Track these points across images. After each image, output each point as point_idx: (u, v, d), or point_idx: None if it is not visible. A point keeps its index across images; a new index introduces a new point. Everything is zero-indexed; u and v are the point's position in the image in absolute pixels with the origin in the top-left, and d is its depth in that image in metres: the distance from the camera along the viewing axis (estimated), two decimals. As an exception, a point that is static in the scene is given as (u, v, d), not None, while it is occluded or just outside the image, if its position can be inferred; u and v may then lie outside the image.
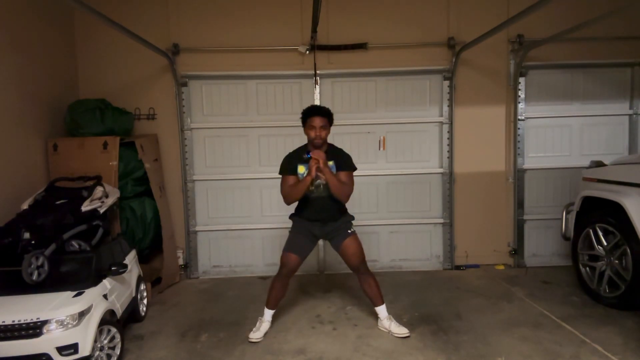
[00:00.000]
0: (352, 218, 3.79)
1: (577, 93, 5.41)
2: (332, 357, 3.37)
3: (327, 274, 5.38)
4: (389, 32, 5.26)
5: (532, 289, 4.68)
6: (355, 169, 3.70)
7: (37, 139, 4.42)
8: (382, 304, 3.79)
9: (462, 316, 4.03)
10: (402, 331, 3.66)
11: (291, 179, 3.59)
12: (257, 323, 3.76)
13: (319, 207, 3.62)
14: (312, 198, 3.60)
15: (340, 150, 3.74)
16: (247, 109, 5.34)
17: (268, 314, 3.78)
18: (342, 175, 3.59)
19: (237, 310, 4.30)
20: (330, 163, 3.57)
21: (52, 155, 4.46)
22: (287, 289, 3.81)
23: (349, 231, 3.72)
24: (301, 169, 3.57)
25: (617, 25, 5.11)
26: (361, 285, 3.84)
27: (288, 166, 3.63)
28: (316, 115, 3.54)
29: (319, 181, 3.53)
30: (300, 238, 3.70)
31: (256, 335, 3.65)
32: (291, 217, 3.81)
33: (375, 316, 3.87)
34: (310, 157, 3.51)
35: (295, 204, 3.72)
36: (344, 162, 3.64)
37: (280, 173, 3.66)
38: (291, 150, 3.77)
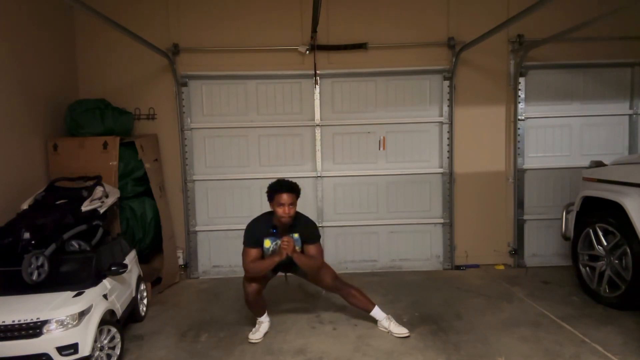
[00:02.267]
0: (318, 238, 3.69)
1: (577, 93, 5.41)
2: (332, 357, 3.37)
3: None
4: (389, 32, 5.26)
5: (532, 289, 4.68)
6: (319, 237, 3.67)
7: (37, 139, 4.42)
8: (374, 307, 3.79)
9: (462, 316, 4.03)
10: (402, 331, 3.66)
11: (254, 253, 3.54)
12: (256, 325, 3.76)
13: (284, 264, 3.59)
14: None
15: (305, 219, 3.66)
16: (247, 109, 5.34)
17: (261, 318, 3.78)
18: (311, 249, 3.58)
19: (237, 310, 4.29)
20: (296, 235, 3.54)
21: (52, 155, 4.46)
22: (263, 298, 3.74)
23: (298, 248, 3.58)
24: (267, 244, 3.54)
25: (617, 25, 5.12)
26: (347, 301, 3.83)
27: (253, 239, 3.56)
28: (285, 192, 3.44)
29: (275, 246, 3.51)
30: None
31: (256, 336, 3.65)
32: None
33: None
34: (276, 232, 3.50)
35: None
36: (310, 235, 3.61)
37: (244, 244, 3.58)
38: (255, 218, 3.68)
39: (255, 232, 3.58)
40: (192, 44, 5.20)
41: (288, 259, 3.48)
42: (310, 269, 3.60)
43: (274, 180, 3.62)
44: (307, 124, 5.34)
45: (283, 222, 3.49)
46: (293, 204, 3.47)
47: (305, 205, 5.09)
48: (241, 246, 5.35)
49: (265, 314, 3.80)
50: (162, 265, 4.96)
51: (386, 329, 3.72)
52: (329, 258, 5.31)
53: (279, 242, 3.48)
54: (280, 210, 3.45)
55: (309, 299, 4.52)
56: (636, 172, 3.86)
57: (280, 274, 3.81)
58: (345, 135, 5.36)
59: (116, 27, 3.78)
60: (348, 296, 3.79)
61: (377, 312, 3.78)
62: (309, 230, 3.63)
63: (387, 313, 3.81)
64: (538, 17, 4.53)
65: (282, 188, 3.47)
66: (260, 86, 5.33)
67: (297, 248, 3.55)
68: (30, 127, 4.35)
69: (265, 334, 3.71)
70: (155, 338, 3.75)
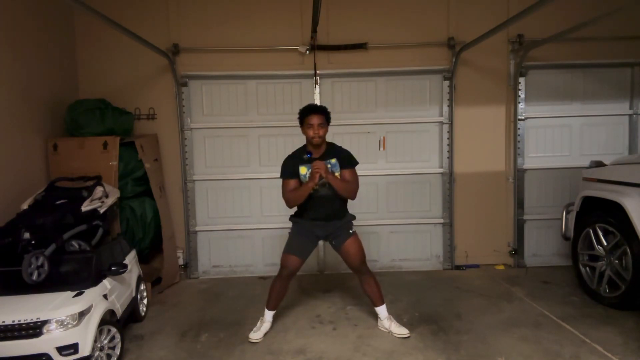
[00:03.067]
0: (354, 218, 3.78)
1: (577, 93, 5.41)
2: (332, 357, 3.37)
3: (327, 274, 5.38)
4: (389, 32, 5.26)
5: (532, 289, 4.68)
6: (357, 163, 3.69)
7: (37, 139, 4.42)
8: (383, 304, 3.79)
9: (462, 316, 4.03)
10: (403, 331, 3.66)
11: (292, 183, 3.56)
12: (258, 323, 3.76)
13: (324, 205, 3.59)
14: (317, 197, 3.56)
15: (340, 147, 3.73)
16: (247, 109, 5.34)
17: (268, 314, 3.78)
18: (346, 173, 3.59)
19: (237, 310, 4.30)
20: (333, 161, 3.56)
21: (52, 155, 4.46)
22: (287, 290, 3.81)
23: (350, 231, 3.71)
24: (303, 170, 3.55)
25: (617, 25, 5.11)
26: (362, 286, 3.84)
27: (289, 170, 3.59)
28: (314, 114, 3.51)
29: (323, 180, 3.49)
30: (300, 239, 3.69)
31: (256, 335, 3.65)
32: (291, 218, 3.78)
33: (375, 316, 3.87)
34: (311, 157, 3.51)
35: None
36: (346, 160, 3.63)
37: (281, 177, 3.63)
38: (290, 153, 3.73)
39: (290, 163, 3.61)
40: (192, 44, 5.20)
41: (323, 183, 3.47)
42: (345, 193, 3.56)
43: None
44: (307, 124, 5.33)
45: (315, 142, 3.51)
46: (322, 124, 3.51)
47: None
48: (242, 246, 5.45)
49: (272, 314, 3.79)
50: (162, 265, 4.96)
51: (386, 329, 3.72)
52: (329, 258, 5.33)
53: (312, 164, 3.48)
54: (310, 132, 3.49)
55: (309, 299, 4.52)
56: (636, 172, 3.86)
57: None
58: (345, 135, 5.35)
59: (116, 27, 3.78)
60: (366, 282, 3.78)
61: (382, 310, 3.79)
62: (345, 156, 3.64)
63: (388, 313, 3.81)
64: (538, 17, 4.52)
65: (311, 110, 3.54)
66: (260, 86, 5.33)
67: (337, 174, 3.54)
68: (30, 127, 4.35)
69: (266, 333, 3.71)
70: (155, 338, 3.75)
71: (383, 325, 3.76)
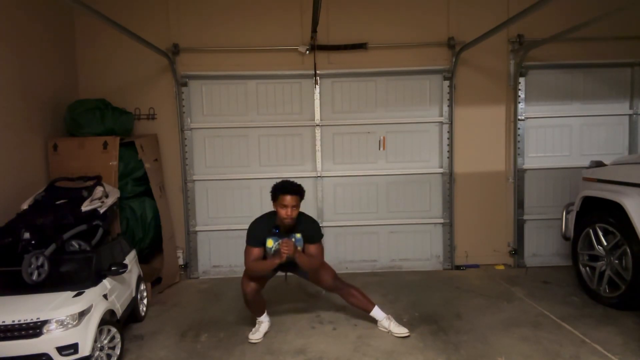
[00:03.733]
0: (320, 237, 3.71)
1: (577, 93, 5.41)
2: (332, 357, 3.37)
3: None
4: (389, 32, 5.26)
5: (532, 289, 4.68)
6: (322, 236, 3.70)
7: (37, 139, 4.42)
8: (374, 307, 3.79)
9: (462, 316, 4.03)
10: (402, 331, 3.66)
11: (256, 252, 3.54)
12: (256, 324, 3.76)
13: (285, 264, 3.57)
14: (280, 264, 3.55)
15: (307, 219, 3.68)
16: (247, 109, 5.34)
17: (261, 317, 3.79)
18: (311, 248, 3.60)
19: (237, 310, 4.29)
20: (298, 235, 3.56)
21: (52, 155, 4.46)
22: (262, 298, 3.76)
23: (300, 248, 3.59)
24: (269, 243, 3.54)
25: (617, 25, 5.11)
26: (346, 301, 3.84)
27: (256, 238, 3.56)
28: (289, 194, 3.42)
29: (276, 247, 3.51)
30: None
31: (256, 336, 3.65)
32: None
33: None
34: (279, 232, 3.52)
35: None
36: (313, 235, 3.62)
37: (247, 242, 3.59)
38: (258, 216, 3.69)
39: (258, 231, 3.58)
40: (192, 44, 5.20)
41: (289, 259, 3.48)
42: (310, 268, 3.61)
43: (276, 180, 3.63)
44: (307, 124, 5.34)
45: (286, 223, 3.49)
46: (296, 206, 3.47)
47: (305, 205, 5.04)
48: (242, 246, 5.41)
49: (265, 314, 3.81)
50: (162, 265, 4.96)
51: (386, 329, 3.72)
52: (329, 258, 5.31)
53: (280, 242, 3.48)
54: (282, 212, 3.44)
55: (309, 299, 4.52)
56: (636, 172, 3.86)
57: (280, 273, 3.82)
58: (345, 135, 5.36)
59: (116, 27, 3.78)
60: (348, 296, 3.79)
61: (377, 312, 3.78)
62: (311, 231, 3.63)
63: (387, 313, 3.81)
64: (538, 17, 4.53)
65: (286, 190, 3.45)
66: (260, 86, 5.33)
67: (299, 248, 3.55)
68: (31, 127, 4.35)
69: (265, 333, 3.71)
70: (155, 338, 3.75)
71: (383, 325, 3.76)
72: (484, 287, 4.78)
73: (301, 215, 3.62)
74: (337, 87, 5.35)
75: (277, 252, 3.49)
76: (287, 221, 3.46)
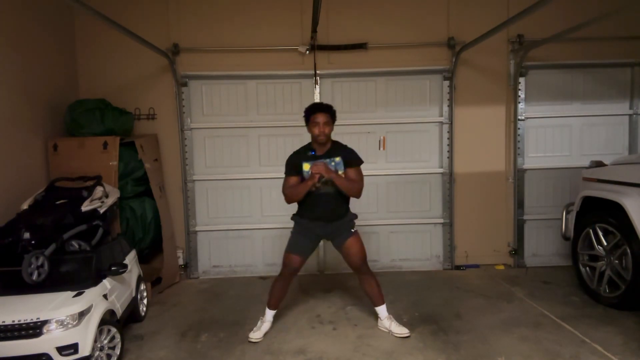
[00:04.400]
0: (355, 217, 3.77)
1: (577, 93, 5.41)
2: (332, 357, 3.37)
3: (327, 274, 5.38)
4: (389, 32, 5.26)
5: (532, 289, 4.68)
6: (362, 162, 3.70)
7: (37, 139, 4.42)
8: (383, 304, 3.79)
9: (462, 316, 4.03)
10: (403, 331, 3.66)
11: (293, 180, 3.58)
12: (258, 323, 3.76)
13: (325, 204, 3.58)
14: (318, 195, 3.56)
15: (345, 146, 3.72)
16: (247, 109, 5.34)
17: (269, 314, 3.78)
18: (351, 172, 3.59)
19: (237, 310, 4.30)
20: (337, 159, 3.56)
21: (52, 155, 4.46)
22: (288, 289, 3.81)
23: (352, 230, 3.70)
24: (306, 167, 3.54)
25: (617, 25, 5.11)
26: (362, 285, 3.84)
27: (292, 166, 3.61)
28: (319, 112, 3.53)
29: (324, 178, 3.49)
30: (302, 238, 3.69)
31: (256, 335, 3.65)
32: (293, 217, 3.78)
33: (376, 316, 3.87)
34: (315, 154, 3.54)
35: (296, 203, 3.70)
36: (351, 158, 3.63)
37: (285, 173, 3.64)
38: (295, 150, 3.74)
39: (294, 159, 3.62)
40: (192, 44, 5.20)
41: (324, 181, 3.48)
42: (349, 192, 3.58)
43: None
44: (307, 124, 5.33)
45: (319, 141, 3.52)
46: (327, 123, 3.52)
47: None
48: (242, 246, 5.44)
49: (273, 313, 3.79)
50: (162, 265, 4.96)
51: (387, 328, 3.72)
52: (329, 258, 5.33)
53: (311, 164, 3.49)
54: (316, 130, 3.50)
55: (309, 299, 4.52)
56: (636, 172, 3.86)
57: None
58: (345, 135, 5.30)
59: (116, 27, 3.78)
60: (366, 282, 3.78)
61: (382, 310, 3.79)
62: (349, 155, 3.65)
63: (388, 313, 3.81)
64: (538, 17, 4.51)
65: (316, 108, 3.56)
66: (260, 86, 5.33)
67: (340, 172, 3.55)
68: (31, 127, 4.35)
69: (266, 333, 3.71)
70: (155, 338, 3.75)
71: (383, 325, 3.76)
72: (484, 287, 4.78)
73: (338, 142, 3.69)
74: (337, 87, 5.35)
75: (311, 175, 3.48)
76: (320, 138, 3.51)
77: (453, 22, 5.27)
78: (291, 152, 3.72)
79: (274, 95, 5.34)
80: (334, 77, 5.31)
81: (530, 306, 4.22)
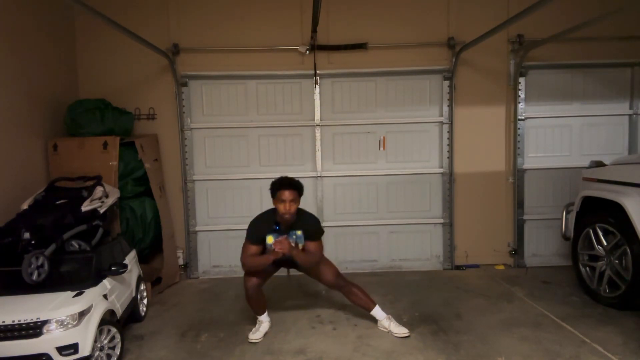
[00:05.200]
0: (320, 234, 3.75)
1: (577, 93, 5.41)
2: (332, 357, 3.37)
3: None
4: (389, 32, 5.26)
5: (532, 289, 4.68)
6: (322, 233, 3.72)
7: (37, 139, 4.42)
8: (375, 306, 3.80)
9: (462, 316, 4.03)
10: (402, 331, 3.66)
11: (254, 249, 3.57)
12: (256, 324, 3.77)
13: (285, 261, 3.66)
14: (278, 260, 3.60)
15: (308, 216, 3.70)
16: (247, 109, 5.34)
17: (262, 317, 3.79)
18: (311, 245, 3.61)
19: (237, 310, 4.30)
20: (299, 233, 3.58)
21: (52, 155, 4.46)
22: (263, 295, 3.77)
23: (301, 245, 3.63)
24: (269, 240, 3.54)
25: (617, 25, 5.11)
26: (348, 299, 3.85)
27: (255, 234, 3.58)
28: (286, 189, 3.47)
29: (271, 246, 3.52)
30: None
31: (256, 336, 3.65)
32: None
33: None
34: (279, 229, 3.54)
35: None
36: (312, 232, 3.64)
37: (246, 238, 3.61)
38: (259, 214, 3.71)
39: (257, 228, 3.60)
40: (192, 44, 5.20)
41: (287, 256, 3.51)
42: (308, 265, 3.63)
43: (275, 176, 3.64)
44: (307, 124, 5.34)
45: (285, 218, 3.50)
46: (294, 200, 3.49)
47: (305, 205, 5.06)
48: (241, 246, 5.42)
49: (266, 314, 3.81)
50: (162, 265, 4.96)
51: (386, 328, 3.72)
52: (329, 257, 5.31)
53: (274, 240, 3.50)
54: (281, 207, 3.47)
55: (309, 299, 4.52)
56: (636, 172, 3.86)
57: (283, 270, 3.85)
58: (345, 135, 5.36)
59: (116, 27, 3.78)
60: (349, 294, 3.80)
61: (377, 312, 3.78)
62: (311, 227, 3.65)
63: (387, 313, 3.81)
64: (538, 17, 4.53)
65: (284, 185, 3.50)
66: (260, 86, 5.33)
67: (300, 245, 3.58)
68: (31, 127, 4.35)
69: (265, 334, 3.71)
70: (155, 338, 3.75)
71: (383, 325, 3.76)
72: (484, 287, 4.78)
73: (302, 212, 3.64)
74: (337, 87, 5.35)
75: (273, 252, 3.51)
76: (286, 216, 3.48)
77: (453, 22, 5.27)
78: (256, 215, 3.68)
79: (274, 95, 5.34)
80: (334, 77, 5.31)
81: (530, 306, 4.22)
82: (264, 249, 3.59)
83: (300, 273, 3.93)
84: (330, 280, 3.76)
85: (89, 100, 4.67)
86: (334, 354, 3.40)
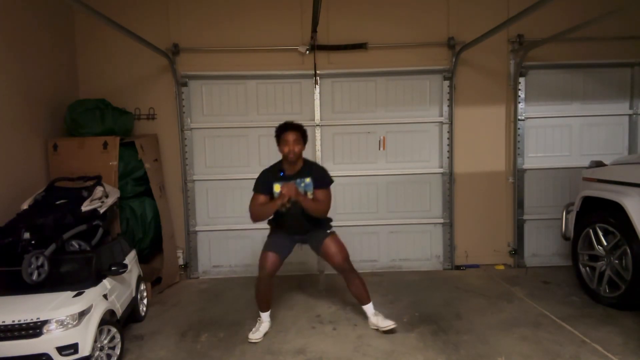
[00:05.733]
0: (330, 220, 3.81)
1: (577, 93, 5.41)
2: (332, 357, 3.37)
3: (327, 274, 5.35)
4: (389, 32, 5.26)
5: (532, 289, 4.68)
6: (331, 182, 3.72)
7: (37, 139, 4.42)
8: (369, 302, 3.81)
9: (462, 316, 4.03)
10: (388, 323, 3.69)
11: (262, 198, 3.60)
12: (257, 324, 3.77)
13: (294, 222, 3.66)
14: (289, 214, 3.62)
15: (315, 165, 3.74)
16: (247, 109, 5.34)
17: (264, 315, 3.80)
18: (319, 194, 3.62)
19: (237, 310, 4.30)
20: (307, 180, 3.59)
21: (52, 155, 4.46)
22: (272, 288, 3.79)
23: (328, 231, 3.73)
24: (277, 188, 3.56)
25: (617, 25, 5.12)
26: (347, 286, 3.85)
27: (262, 184, 3.63)
28: (289, 131, 3.55)
29: (293, 199, 3.50)
30: (277, 238, 3.74)
31: (256, 335, 3.65)
32: (269, 222, 3.82)
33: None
34: (284, 175, 3.56)
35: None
36: (320, 179, 3.65)
37: (253, 190, 3.66)
38: (268, 166, 3.77)
39: (264, 178, 3.65)
40: (192, 44, 5.20)
41: (293, 202, 3.49)
42: (315, 213, 3.60)
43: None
44: (307, 124, 5.24)
45: (289, 160, 3.53)
46: (297, 141, 3.54)
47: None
48: (242, 246, 5.44)
49: (268, 313, 3.81)
50: (162, 265, 4.96)
51: (375, 325, 3.75)
52: (329, 258, 5.32)
53: (281, 185, 3.50)
54: (285, 149, 3.53)
55: (309, 299, 4.52)
56: (636, 172, 3.86)
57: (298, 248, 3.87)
58: (345, 135, 5.36)
59: (116, 27, 3.78)
60: (351, 282, 3.80)
61: (368, 308, 3.81)
62: (319, 176, 3.66)
63: (387, 313, 3.83)
64: (538, 17, 4.53)
65: (286, 127, 3.59)
66: (260, 86, 5.33)
67: (310, 194, 3.58)
68: (31, 127, 4.35)
69: (265, 334, 3.71)
70: (155, 338, 3.75)
71: (371, 322, 3.79)
72: (484, 287, 4.78)
73: (309, 161, 3.71)
74: (337, 87, 5.34)
75: (279, 196, 3.49)
76: (290, 157, 3.52)
77: (453, 22, 5.27)
78: (265, 168, 3.73)
79: (274, 95, 5.34)
80: (334, 77, 5.31)
81: (530, 306, 4.22)
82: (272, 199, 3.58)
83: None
84: (339, 262, 3.73)
85: (89, 100, 4.67)
86: (334, 354, 3.40)
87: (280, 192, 3.47)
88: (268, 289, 3.75)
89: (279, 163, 3.70)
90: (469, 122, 5.36)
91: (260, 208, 3.58)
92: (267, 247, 3.73)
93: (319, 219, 3.71)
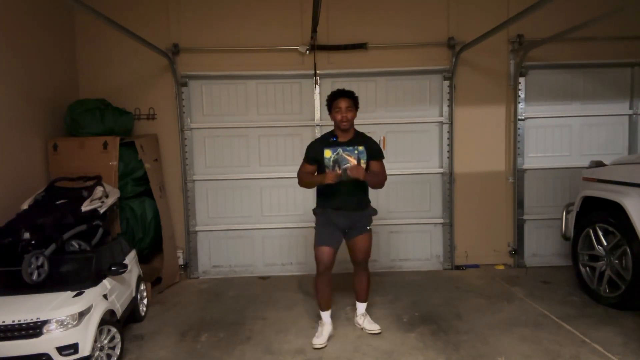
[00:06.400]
0: (375, 212, 3.70)
1: (577, 93, 5.41)
2: (332, 357, 3.37)
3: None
4: (389, 32, 5.26)
5: (532, 289, 4.68)
6: (384, 156, 3.65)
7: (37, 139, 4.42)
8: (365, 302, 3.82)
9: (462, 316, 4.03)
10: (374, 328, 3.68)
11: (309, 168, 3.56)
12: (318, 328, 3.66)
13: (346, 193, 3.51)
14: (341, 184, 3.43)
15: (368, 136, 3.64)
16: (247, 109, 5.34)
17: (325, 315, 3.68)
18: (375, 165, 3.54)
19: (237, 310, 4.30)
20: (361, 148, 3.45)
21: (52, 155, 4.46)
22: (331, 284, 3.68)
23: (368, 227, 3.65)
24: (327, 153, 3.43)
25: (617, 25, 5.11)
26: (353, 277, 3.83)
27: (312, 154, 3.54)
28: (341, 97, 3.48)
29: (346, 165, 3.38)
30: (327, 229, 3.59)
31: (320, 340, 3.53)
32: (314, 210, 3.70)
33: (377, 317, 3.87)
34: (337, 140, 3.49)
35: (313, 191, 3.60)
36: (375, 150, 3.56)
37: (303, 159, 3.61)
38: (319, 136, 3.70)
39: (314, 147, 3.56)
40: (192, 44, 5.20)
41: (342, 178, 3.37)
42: (375, 185, 3.55)
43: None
44: (307, 124, 5.34)
45: (343, 127, 3.47)
46: (350, 108, 3.47)
47: (306, 205, 5.09)
48: (242, 246, 5.44)
49: (329, 313, 3.69)
50: (162, 265, 4.96)
51: (359, 325, 3.77)
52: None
53: (340, 151, 3.40)
54: (338, 116, 3.46)
55: (309, 299, 4.51)
56: (636, 172, 3.86)
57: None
58: (345, 135, 5.36)
59: (116, 27, 3.78)
60: (358, 277, 3.78)
61: (361, 306, 3.82)
62: (373, 144, 3.58)
63: (387, 313, 3.86)
64: (538, 17, 4.53)
65: (339, 93, 3.52)
66: (260, 86, 5.33)
67: (363, 162, 3.45)
68: (31, 127, 4.35)
69: (330, 337, 3.60)
70: (155, 338, 3.75)
71: (357, 321, 3.80)
72: (484, 287, 4.78)
73: (361, 132, 3.63)
74: (337, 87, 5.31)
75: (335, 162, 3.38)
76: (343, 124, 3.45)
77: (453, 22, 5.27)
78: (305, 145, 3.68)
79: (274, 95, 5.34)
80: (334, 77, 5.30)
81: (530, 306, 4.22)
82: (322, 165, 3.46)
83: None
84: (362, 259, 3.68)
85: (89, 100, 4.67)
86: (334, 354, 3.40)
87: (326, 176, 3.35)
88: (327, 284, 3.63)
89: (331, 132, 3.61)
90: (469, 122, 5.36)
91: (308, 177, 3.55)
92: (320, 241, 3.57)
93: (367, 202, 3.64)
